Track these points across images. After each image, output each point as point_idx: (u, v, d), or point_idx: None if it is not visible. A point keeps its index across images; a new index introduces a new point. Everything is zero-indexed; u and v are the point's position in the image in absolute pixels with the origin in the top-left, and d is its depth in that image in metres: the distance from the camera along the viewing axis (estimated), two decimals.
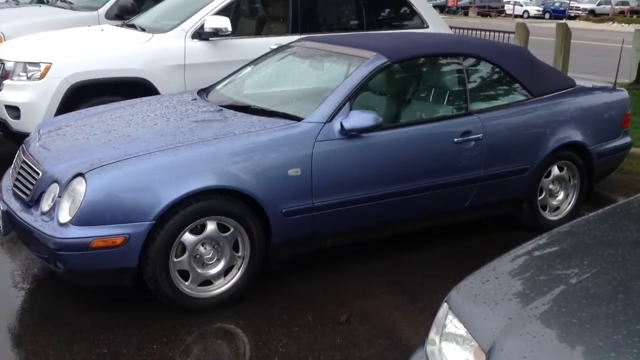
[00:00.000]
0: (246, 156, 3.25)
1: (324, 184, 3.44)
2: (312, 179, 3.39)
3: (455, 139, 3.83)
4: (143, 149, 3.19)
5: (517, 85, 4.23)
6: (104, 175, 3.02)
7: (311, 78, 4.12)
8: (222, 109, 3.73)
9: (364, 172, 3.55)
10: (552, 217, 4.38)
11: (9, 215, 3.26)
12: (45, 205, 3.11)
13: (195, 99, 4.03)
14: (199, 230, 3.18)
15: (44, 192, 3.15)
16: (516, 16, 38.39)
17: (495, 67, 4.17)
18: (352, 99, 3.59)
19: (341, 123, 3.45)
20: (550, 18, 38.38)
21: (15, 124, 5.08)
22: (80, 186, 3.01)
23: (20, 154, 3.56)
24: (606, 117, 4.58)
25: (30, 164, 3.34)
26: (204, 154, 3.17)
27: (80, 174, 3.03)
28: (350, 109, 3.53)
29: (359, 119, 3.45)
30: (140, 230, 2.99)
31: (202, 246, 3.20)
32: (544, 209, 4.38)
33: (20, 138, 4.44)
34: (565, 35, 9.07)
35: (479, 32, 9.84)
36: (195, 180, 3.10)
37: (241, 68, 4.50)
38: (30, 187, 3.23)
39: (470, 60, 4.13)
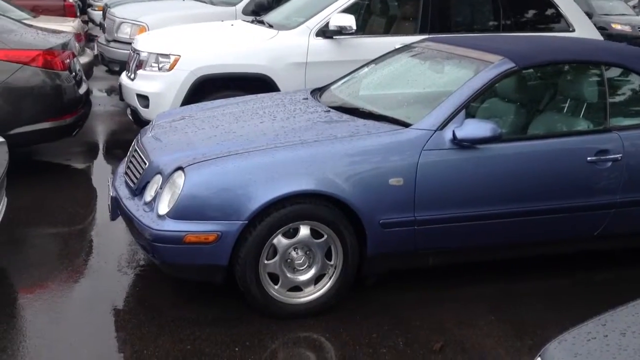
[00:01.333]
0: (345, 161, 3.08)
1: (428, 197, 3.18)
2: (415, 191, 3.15)
3: (589, 158, 3.39)
4: (244, 146, 3.15)
5: None
6: (202, 170, 3.00)
7: (428, 81, 3.86)
8: (330, 110, 3.60)
9: (475, 187, 3.24)
10: None
11: (117, 202, 3.38)
12: (148, 195, 3.16)
13: (307, 99, 3.95)
14: (291, 234, 3.08)
15: (148, 182, 3.21)
16: None
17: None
18: (470, 106, 3.31)
19: (453, 132, 3.17)
20: None
21: (145, 113, 5.33)
22: (179, 179, 3.02)
23: (135, 143, 3.69)
24: None
25: (141, 154, 3.43)
26: (302, 156, 3.06)
27: (181, 168, 3.04)
28: (466, 117, 3.26)
29: (474, 128, 3.15)
30: (233, 229, 2.94)
31: (294, 250, 3.09)
32: None
33: None
34: None
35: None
36: (291, 182, 2.99)
37: (359, 68, 4.34)
38: (138, 176, 3.32)
39: (614, 71, 3.64)
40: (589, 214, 3.46)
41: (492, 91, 3.43)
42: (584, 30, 6.06)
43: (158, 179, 3.16)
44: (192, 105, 4.35)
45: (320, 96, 4.06)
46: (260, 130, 3.35)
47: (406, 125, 3.28)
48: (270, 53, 5.34)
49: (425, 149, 3.17)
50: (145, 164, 3.30)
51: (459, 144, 3.18)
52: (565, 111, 3.59)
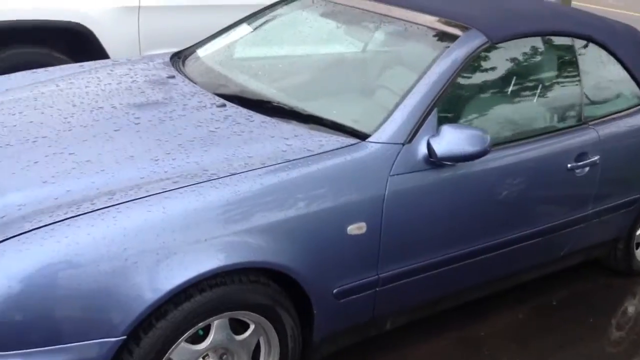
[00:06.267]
0: (281, 206, 1.86)
1: (396, 244, 2.11)
2: (380, 238, 2.09)
3: (569, 165, 2.61)
4: (100, 187, 1.76)
5: (632, 83, 3.02)
6: (27, 252, 1.54)
7: (359, 60, 2.68)
8: (224, 104, 2.31)
9: (455, 220, 2.25)
10: None
11: None
12: None
13: (173, 77, 2.57)
14: (198, 335, 1.84)
15: None
16: None
17: (609, 54, 2.94)
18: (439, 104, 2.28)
19: (429, 145, 2.11)
20: None
21: None
22: None
23: None
24: None
25: None
26: (212, 204, 1.75)
27: None
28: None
29: (458, 139, 2.10)
30: (98, 355, 1.58)
31: (203, 359, 1.86)
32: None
33: None
34: None
35: None
36: (200, 255, 1.69)
37: (230, 26, 3.04)
38: None
39: (580, 44, 2.87)
40: (562, 232, 2.72)
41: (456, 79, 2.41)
42: None
43: None
44: None
45: (184, 67, 2.70)
46: (122, 149, 1.95)
47: (358, 135, 2.14)
48: None
49: (393, 174, 2.08)
50: None
51: (436, 163, 2.16)
52: (539, 101, 2.69)
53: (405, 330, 2.53)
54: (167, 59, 2.83)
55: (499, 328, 2.81)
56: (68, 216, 1.59)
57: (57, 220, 1.57)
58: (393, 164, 2.07)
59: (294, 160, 1.94)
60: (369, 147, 2.06)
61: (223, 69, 2.66)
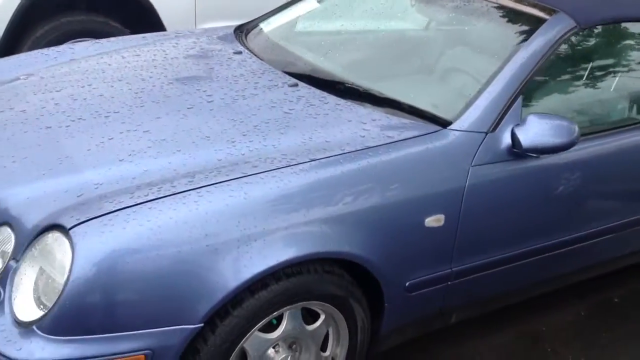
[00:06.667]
0: (361, 195, 1.78)
1: (472, 238, 2.02)
2: (457, 231, 2.00)
3: None
4: (178, 168, 1.69)
5: None
6: (109, 235, 1.48)
7: (435, 40, 2.54)
8: (296, 84, 2.22)
9: (531, 214, 2.14)
10: None
11: None
12: None
13: (240, 52, 2.49)
14: (271, 325, 1.79)
15: None
16: None
17: None
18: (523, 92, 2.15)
19: (515, 136, 1.99)
20: None
21: None
22: (59, 251, 1.49)
23: None
24: None
25: None
26: (292, 191, 1.68)
27: (60, 227, 1.51)
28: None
29: (544, 130, 1.97)
30: (175, 341, 1.54)
31: (274, 349, 1.81)
32: None
33: None
34: None
35: None
36: (279, 243, 1.63)
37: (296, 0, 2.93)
38: None
39: None
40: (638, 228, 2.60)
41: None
42: None
43: (6, 235, 1.59)
44: (28, 54, 2.60)
45: (250, 43, 2.61)
46: (197, 128, 1.88)
47: (438, 121, 2.04)
48: None
49: (475, 164, 1.97)
50: None
51: (520, 153, 2.05)
52: (629, 90, 2.56)
53: (464, 323, 2.45)
54: (231, 32, 2.75)
55: (560, 323, 2.71)
56: (149, 198, 1.53)
57: (138, 202, 1.51)
58: (475, 154, 1.96)
59: (374, 147, 1.85)
60: (451, 135, 1.96)
61: (290, 46, 2.57)
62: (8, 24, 3.30)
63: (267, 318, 1.69)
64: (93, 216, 1.47)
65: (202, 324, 1.56)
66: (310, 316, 1.86)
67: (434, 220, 1.91)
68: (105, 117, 1.89)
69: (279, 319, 1.77)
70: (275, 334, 1.76)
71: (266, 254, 1.60)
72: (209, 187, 1.60)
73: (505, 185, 2.04)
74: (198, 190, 1.58)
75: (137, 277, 1.48)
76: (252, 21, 2.91)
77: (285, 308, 1.72)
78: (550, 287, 2.59)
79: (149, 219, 1.50)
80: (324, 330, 1.88)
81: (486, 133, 2.00)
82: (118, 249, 1.46)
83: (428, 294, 2.03)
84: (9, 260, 1.55)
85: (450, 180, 1.93)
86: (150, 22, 3.70)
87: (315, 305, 1.81)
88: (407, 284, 1.94)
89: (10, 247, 1.55)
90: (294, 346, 1.84)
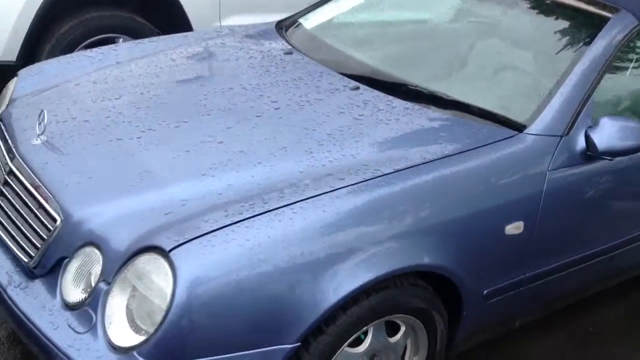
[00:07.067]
0: (441, 204, 1.73)
1: (545, 243, 1.98)
2: (534, 237, 1.96)
3: None
4: (263, 183, 1.61)
5: None
6: (210, 256, 1.42)
7: (496, 39, 2.44)
8: (358, 87, 2.15)
9: (602, 216, 2.12)
10: None
11: None
12: (73, 289, 1.53)
13: (290, 53, 2.42)
14: (357, 340, 1.72)
15: (67, 258, 1.58)
16: None
17: None
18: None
19: (588, 137, 1.95)
20: None
21: None
22: (158, 274, 1.43)
23: (3, 152, 1.84)
24: None
25: (31, 188, 1.68)
26: (382, 202, 1.63)
27: (157, 249, 1.44)
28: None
29: (619, 132, 1.93)
30: None
31: None
32: None
33: None
34: None
35: None
36: (374, 257, 1.58)
37: None
38: (36, 238, 1.63)
39: None
40: None
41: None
42: None
43: (93, 255, 1.53)
44: (72, 57, 2.49)
45: (296, 41, 2.49)
46: (272, 138, 1.81)
47: (511, 125, 1.99)
48: None
49: (551, 169, 1.93)
50: (54, 219, 1.59)
51: (595, 156, 2.01)
52: None
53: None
54: (272, 29, 2.67)
55: (607, 323, 2.69)
56: (245, 216, 1.47)
57: (235, 220, 1.45)
58: (552, 158, 1.92)
59: (454, 154, 1.80)
60: (529, 140, 1.92)
61: (338, 44, 2.48)
62: (33, 20, 3.19)
63: (357, 333, 1.65)
64: (192, 237, 1.42)
65: (299, 343, 1.52)
66: (390, 328, 1.83)
67: (514, 228, 1.87)
68: (175, 127, 1.82)
69: (365, 333, 1.74)
70: (361, 348, 1.73)
71: (360, 270, 1.56)
72: (301, 202, 1.54)
73: (580, 188, 2.01)
74: (291, 206, 1.53)
75: (239, 298, 1.43)
76: (290, 17, 2.83)
77: (374, 322, 1.68)
78: (604, 286, 2.58)
79: (247, 238, 1.44)
80: (404, 341, 1.85)
81: (561, 137, 1.96)
82: (220, 270, 1.41)
83: (502, 301, 2.00)
84: (98, 282, 1.49)
85: (528, 186, 1.89)
86: (175, 17, 3.61)
87: (397, 318, 1.77)
88: (485, 292, 1.91)
89: (98, 268, 1.49)
90: (375, 359, 1.81)
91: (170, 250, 1.40)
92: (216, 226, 1.44)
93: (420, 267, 1.68)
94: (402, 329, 1.82)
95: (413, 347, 1.88)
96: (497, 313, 2.04)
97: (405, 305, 1.72)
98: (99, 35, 3.46)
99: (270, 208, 1.51)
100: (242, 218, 1.47)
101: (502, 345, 2.42)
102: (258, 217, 1.48)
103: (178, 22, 3.63)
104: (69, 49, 3.37)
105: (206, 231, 1.43)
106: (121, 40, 3.50)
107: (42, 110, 1.73)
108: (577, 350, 2.47)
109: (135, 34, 3.55)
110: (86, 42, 3.42)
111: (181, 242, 1.41)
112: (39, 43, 3.32)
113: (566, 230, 2.04)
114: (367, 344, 1.73)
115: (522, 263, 1.97)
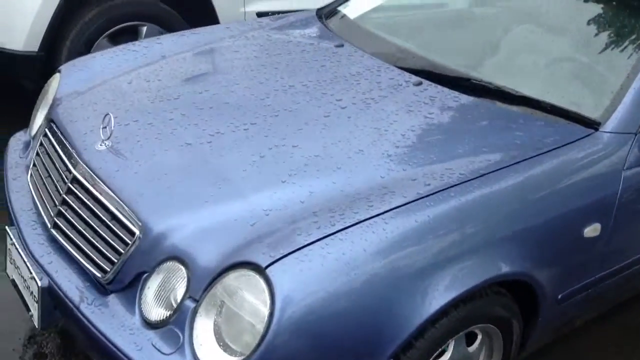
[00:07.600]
0: (525, 208, 1.66)
1: (619, 244, 1.94)
2: (609, 238, 1.90)
3: None
4: (346, 189, 1.54)
5: None
6: (308, 272, 1.34)
7: (559, 30, 2.33)
8: (421, 82, 2.07)
9: None
10: None
11: (56, 300, 1.60)
12: (155, 307, 1.45)
13: (342, 45, 2.32)
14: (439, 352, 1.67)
15: (146, 273, 1.50)
16: None
17: None
18: None
19: None
20: None
21: None
22: (251, 291, 1.35)
23: (62, 158, 1.76)
24: None
25: (101, 198, 1.59)
26: (468, 209, 1.55)
27: (250, 264, 1.36)
28: None
29: None
30: None
31: None
32: None
33: None
34: None
35: None
36: (465, 268, 1.51)
37: None
38: (111, 252, 1.53)
39: None
40: None
41: None
42: None
43: (178, 271, 1.45)
44: (116, 50, 2.33)
45: (343, 33, 2.36)
46: (346, 140, 1.71)
47: (585, 122, 1.92)
48: None
49: (626, 168, 1.88)
50: (133, 233, 1.50)
51: None
52: None
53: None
54: (314, 18, 2.56)
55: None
56: (337, 228, 1.39)
57: (328, 233, 1.38)
58: (627, 157, 1.86)
59: (535, 156, 1.73)
60: (604, 138, 1.85)
61: (391, 36, 2.37)
62: (56, 8, 3.07)
63: (443, 346, 1.60)
64: (288, 252, 1.34)
65: (391, 359, 1.47)
66: (467, 337, 1.77)
67: (591, 230, 1.81)
68: (245, 130, 1.73)
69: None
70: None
71: (451, 282, 1.49)
72: (391, 212, 1.47)
73: None
74: (382, 216, 1.45)
75: (336, 316, 1.36)
76: (328, 6, 2.73)
77: (460, 334, 1.63)
78: None
79: (343, 252, 1.37)
80: (481, 350, 1.80)
81: (635, 134, 1.90)
82: (318, 287, 1.34)
83: (573, 303, 1.95)
84: (183, 300, 1.41)
85: (605, 186, 1.84)
86: (198, 2, 3.50)
87: (477, 327, 1.72)
88: (559, 296, 1.86)
89: (183, 284, 1.41)
90: None
91: (267, 267, 1.32)
92: (311, 239, 1.37)
93: (507, 276, 1.62)
94: (479, 337, 1.76)
95: (487, 353, 1.84)
96: (567, 315, 2.00)
97: (489, 315, 1.66)
98: (122, 24, 3.36)
99: (362, 218, 1.43)
100: (335, 230, 1.40)
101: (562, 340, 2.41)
102: (350, 228, 1.41)
103: (202, 8, 3.52)
104: (92, 38, 3.27)
105: (301, 245, 1.35)
106: (145, 28, 3.41)
107: (108, 114, 1.64)
108: (632, 343, 2.45)
109: (160, 21, 3.45)
110: (110, 31, 3.32)
111: (277, 257, 1.33)
112: (61, 33, 3.21)
113: (635, 231, 1.99)
114: (449, 355, 1.66)
115: (597, 265, 1.93)
